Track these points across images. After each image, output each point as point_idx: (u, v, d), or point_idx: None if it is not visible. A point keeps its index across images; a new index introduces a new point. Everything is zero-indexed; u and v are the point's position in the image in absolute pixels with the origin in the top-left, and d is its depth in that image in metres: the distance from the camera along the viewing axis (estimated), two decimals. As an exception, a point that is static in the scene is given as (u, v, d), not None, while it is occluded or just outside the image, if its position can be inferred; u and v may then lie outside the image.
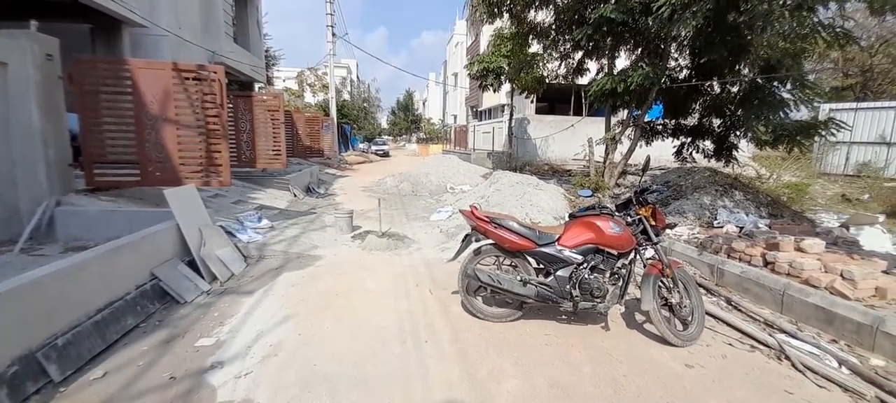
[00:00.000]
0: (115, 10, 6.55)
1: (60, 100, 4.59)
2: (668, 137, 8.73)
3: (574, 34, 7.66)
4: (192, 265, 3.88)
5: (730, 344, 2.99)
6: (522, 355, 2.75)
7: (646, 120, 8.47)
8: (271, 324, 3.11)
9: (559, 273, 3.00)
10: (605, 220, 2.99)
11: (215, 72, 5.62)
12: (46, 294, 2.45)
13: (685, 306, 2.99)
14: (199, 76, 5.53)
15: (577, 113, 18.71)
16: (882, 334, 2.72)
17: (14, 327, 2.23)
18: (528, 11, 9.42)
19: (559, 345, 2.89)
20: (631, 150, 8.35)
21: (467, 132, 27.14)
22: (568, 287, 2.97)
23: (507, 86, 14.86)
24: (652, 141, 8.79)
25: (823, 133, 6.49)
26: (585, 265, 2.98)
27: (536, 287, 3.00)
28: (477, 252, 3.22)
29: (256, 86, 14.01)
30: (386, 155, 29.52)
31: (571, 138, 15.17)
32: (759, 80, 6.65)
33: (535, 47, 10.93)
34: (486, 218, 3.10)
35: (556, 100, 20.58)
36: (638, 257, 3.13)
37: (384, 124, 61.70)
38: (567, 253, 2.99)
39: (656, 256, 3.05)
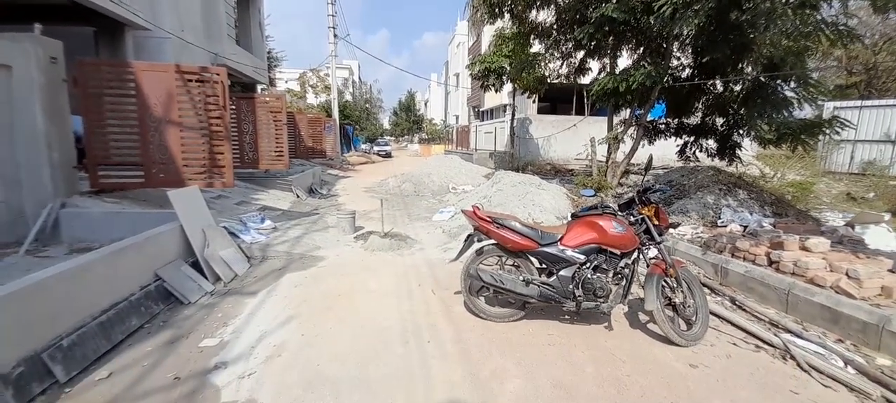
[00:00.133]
0: (118, 13, 6.58)
1: (65, 103, 4.62)
2: (670, 136, 8.69)
3: (575, 34, 7.64)
4: (196, 266, 3.90)
5: (734, 344, 2.97)
6: (525, 355, 2.74)
7: (648, 119, 8.43)
8: (274, 325, 3.12)
9: (562, 273, 2.99)
10: (607, 220, 2.98)
11: (218, 74, 5.65)
12: (51, 295, 2.46)
13: (689, 306, 2.98)
14: (201, 78, 5.56)
15: (580, 112, 18.66)
16: (888, 333, 2.70)
17: (19, 328, 2.24)
18: (530, 11, 9.40)
19: (562, 345, 2.89)
20: (633, 150, 8.32)
21: (469, 132, 27.14)
22: (571, 287, 2.96)
23: (508, 86, 14.87)
24: (655, 140, 8.75)
25: (827, 131, 6.45)
26: (588, 265, 2.97)
27: (539, 287, 3.00)
28: (479, 252, 3.22)
29: (259, 87, 14.05)
30: (388, 155, 29.52)
31: (574, 138, 15.13)
32: (762, 79, 6.61)
33: (536, 47, 10.92)
34: (488, 219, 3.10)
35: (558, 99, 20.55)
36: (641, 257, 3.12)
37: (386, 125, 61.77)
38: (570, 252, 2.98)
39: (660, 256, 3.04)
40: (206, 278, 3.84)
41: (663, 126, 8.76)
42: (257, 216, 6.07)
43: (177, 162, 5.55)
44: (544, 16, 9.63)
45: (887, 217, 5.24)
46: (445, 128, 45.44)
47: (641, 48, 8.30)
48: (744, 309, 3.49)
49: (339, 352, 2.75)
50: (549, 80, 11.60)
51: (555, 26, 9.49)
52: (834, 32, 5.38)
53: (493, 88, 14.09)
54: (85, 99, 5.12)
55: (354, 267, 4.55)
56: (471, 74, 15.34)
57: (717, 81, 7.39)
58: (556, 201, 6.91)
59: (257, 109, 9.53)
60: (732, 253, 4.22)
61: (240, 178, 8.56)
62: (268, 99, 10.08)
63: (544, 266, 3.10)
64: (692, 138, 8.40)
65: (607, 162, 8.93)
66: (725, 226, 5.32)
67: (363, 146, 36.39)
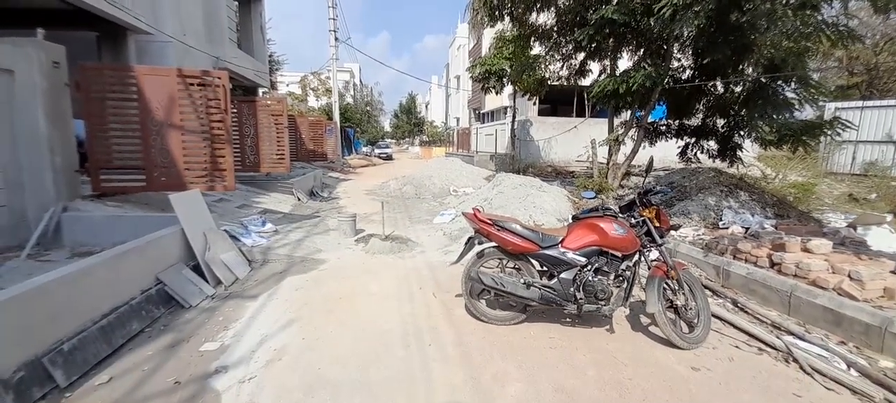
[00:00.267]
0: (121, 18, 6.63)
1: (67, 107, 4.64)
2: (671, 138, 8.69)
3: (575, 35, 7.65)
4: (197, 269, 3.90)
5: (737, 347, 2.96)
6: (526, 358, 2.74)
7: (649, 120, 8.43)
8: (275, 328, 3.11)
9: (563, 275, 2.98)
10: (608, 222, 2.98)
11: (219, 78, 5.67)
12: (53, 299, 2.47)
13: (691, 308, 2.97)
14: (203, 82, 5.58)
15: (580, 114, 18.67)
16: (891, 335, 2.68)
17: (21, 332, 2.25)
18: (530, 14, 9.42)
19: (563, 348, 2.88)
20: (634, 151, 8.32)
21: (470, 134, 27.15)
22: (572, 289, 2.95)
23: (509, 89, 14.89)
24: (656, 141, 8.75)
25: (829, 132, 6.44)
26: (589, 267, 2.96)
27: (540, 289, 2.99)
28: (480, 255, 3.21)
29: (260, 90, 14.10)
30: (389, 158, 29.57)
31: (574, 139, 15.14)
32: (763, 80, 6.60)
33: (536, 49, 10.93)
34: (488, 221, 3.09)
35: (558, 101, 20.55)
36: (642, 259, 3.11)
37: (387, 127, 61.90)
38: (570, 255, 2.98)
39: (661, 258, 3.03)
40: (207, 281, 3.84)
41: (664, 127, 8.75)
42: (258, 219, 6.08)
43: (178, 165, 5.57)
44: (544, 18, 9.65)
45: (889, 218, 5.22)
46: (446, 130, 45.49)
47: (642, 50, 8.30)
48: (746, 312, 3.47)
49: (340, 356, 2.74)
50: (549, 82, 11.61)
51: (555, 28, 9.51)
52: (834, 33, 5.38)
53: (493, 90, 14.11)
54: (87, 103, 5.14)
55: (355, 269, 4.55)
56: (471, 77, 15.36)
57: (718, 82, 7.39)
58: (556, 203, 6.90)
59: (259, 113, 9.56)
60: (734, 254, 4.21)
61: (241, 182, 8.58)
62: (269, 102, 10.11)
63: (545, 268, 3.10)
64: (693, 139, 8.40)
65: (608, 163, 8.92)
66: (727, 228, 5.30)
67: (364, 148, 36.45)
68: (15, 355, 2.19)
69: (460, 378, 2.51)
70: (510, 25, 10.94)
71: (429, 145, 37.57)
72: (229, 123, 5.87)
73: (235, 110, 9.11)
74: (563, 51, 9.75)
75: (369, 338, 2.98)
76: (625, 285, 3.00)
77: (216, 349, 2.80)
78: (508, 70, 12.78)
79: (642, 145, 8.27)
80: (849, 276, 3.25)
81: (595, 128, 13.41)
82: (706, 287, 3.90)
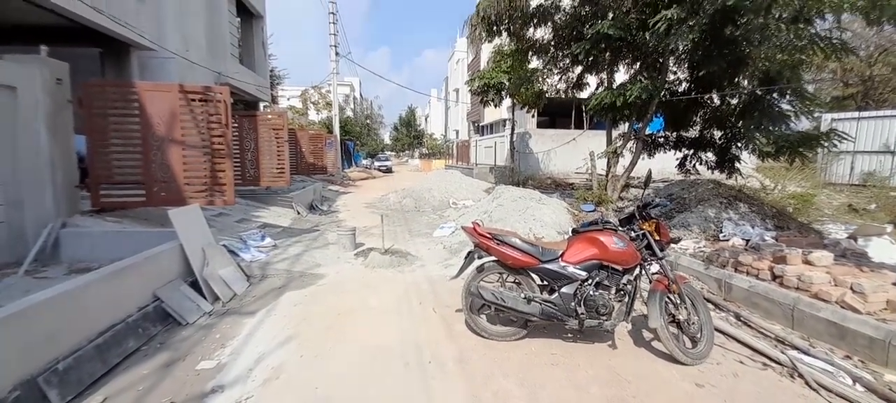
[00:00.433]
0: (124, 35, 6.71)
1: (69, 124, 4.67)
2: (670, 150, 8.73)
3: (573, 49, 7.75)
4: (195, 285, 3.88)
5: (741, 362, 2.92)
6: (528, 376, 2.70)
7: (647, 132, 8.48)
8: (273, 346, 3.08)
9: (563, 290, 2.96)
10: (608, 235, 2.97)
11: (221, 93, 5.72)
12: (49, 317, 2.44)
13: (693, 322, 2.94)
14: (205, 97, 5.63)
15: (579, 126, 18.79)
16: (895, 349, 2.66)
17: (17, 351, 2.22)
18: (527, 29, 9.56)
19: (565, 365, 2.84)
20: (633, 163, 8.34)
21: (469, 147, 27.26)
22: (573, 304, 2.93)
23: (507, 101, 15.00)
24: (654, 153, 8.79)
25: (826, 144, 6.47)
26: (590, 281, 2.94)
27: (541, 304, 2.96)
28: (480, 269, 3.19)
29: (261, 105, 14.21)
30: (389, 171, 29.64)
31: (573, 152, 15.20)
32: (759, 92, 6.67)
33: (534, 63, 11.06)
34: (488, 235, 3.08)
35: (557, 114, 20.71)
36: (643, 273, 3.09)
37: (387, 140, 62.22)
38: (571, 269, 2.96)
39: (662, 271, 3.02)
40: (205, 298, 3.81)
41: (662, 139, 8.80)
42: (257, 233, 6.07)
43: (178, 180, 5.58)
44: (541, 33, 9.79)
45: (890, 229, 5.21)
46: (446, 142, 45.72)
47: (638, 63, 8.40)
48: (749, 325, 3.44)
49: (339, 374, 2.70)
50: (547, 95, 11.72)
51: (552, 43, 9.63)
52: (828, 46, 5.45)
53: (492, 103, 14.24)
54: (89, 119, 5.18)
55: (355, 284, 4.52)
56: (470, 90, 15.52)
57: (714, 95, 7.46)
58: (556, 215, 6.90)
59: (259, 127, 9.63)
60: (735, 267, 4.19)
61: (241, 195, 8.58)
62: (270, 116, 10.19)
63: (546, 282, 3.08)
64: (691, 151, 8.44)
65: (607, 175, 8.95)
66: (727, 240, 5.29)
67: (364, 161, 36.59)
68: (11, 374, 2.16)
69: (461, 397, 2.47)
70: (508, 40, 11.10)
71: (428, 158, 37.72)
72: (230, 138, 5.90)
73: (236, 124, 9.17)
74: (561, 64, 9.86)
75: (368, 355, 2.94)
76: (626, 299, 2.97)
77: (213, 367, 2.76)
78: (507, 83, 12.92)
79: (641, 157, 8.30)
80: (851, 289, 3.23)
81: (593, 140, 13.47)
82: (708, 300, 3.87)
